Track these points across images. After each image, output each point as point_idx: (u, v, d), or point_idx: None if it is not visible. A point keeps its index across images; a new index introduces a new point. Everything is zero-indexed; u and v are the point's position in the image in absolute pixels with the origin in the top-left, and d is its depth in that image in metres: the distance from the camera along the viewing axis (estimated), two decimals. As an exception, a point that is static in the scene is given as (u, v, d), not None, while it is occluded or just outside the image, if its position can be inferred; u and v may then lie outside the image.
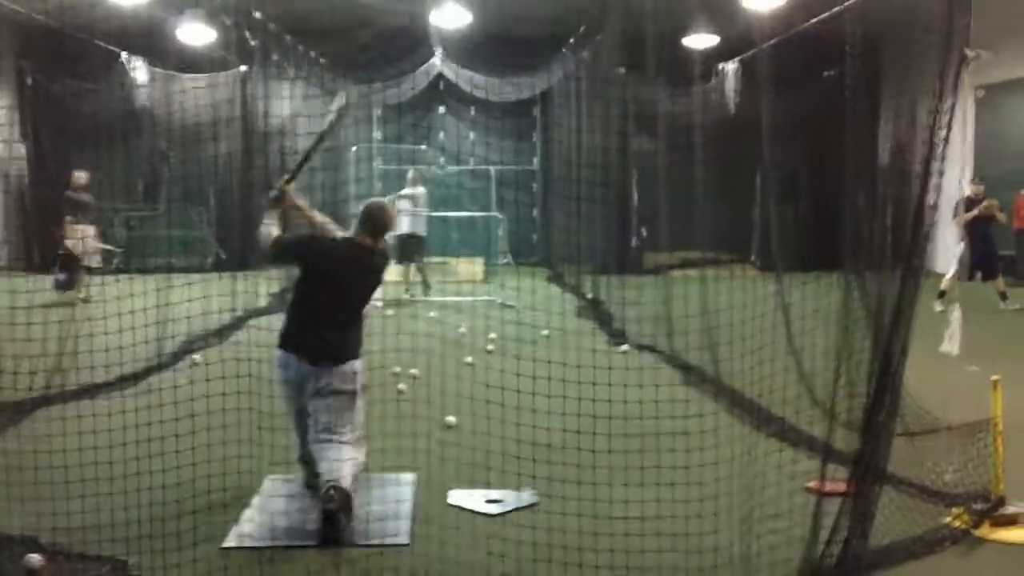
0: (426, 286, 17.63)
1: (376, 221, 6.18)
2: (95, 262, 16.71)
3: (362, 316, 6.21)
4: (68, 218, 16.58)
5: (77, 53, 18.32)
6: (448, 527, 5.60)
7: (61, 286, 15.76)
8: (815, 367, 7.39)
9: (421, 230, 18.02)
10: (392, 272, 17.97)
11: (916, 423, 7.24)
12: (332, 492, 5.60)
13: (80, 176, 16.91)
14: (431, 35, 19.31)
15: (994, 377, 6.15)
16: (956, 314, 7.78)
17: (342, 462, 5.76)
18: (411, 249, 17.81)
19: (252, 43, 17.65)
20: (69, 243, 16.28)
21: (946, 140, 5.11)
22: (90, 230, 16.75)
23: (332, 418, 5.88)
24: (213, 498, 6.07)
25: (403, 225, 17.73)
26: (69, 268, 16.18)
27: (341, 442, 5.86)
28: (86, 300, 14.86)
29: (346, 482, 5.67)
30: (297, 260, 6.21)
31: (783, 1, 15.59)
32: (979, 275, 15.69)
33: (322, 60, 19.81)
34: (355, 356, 6.08)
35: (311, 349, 5.97)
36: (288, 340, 5.98)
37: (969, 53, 5.23)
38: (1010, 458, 6.15)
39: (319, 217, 6.46)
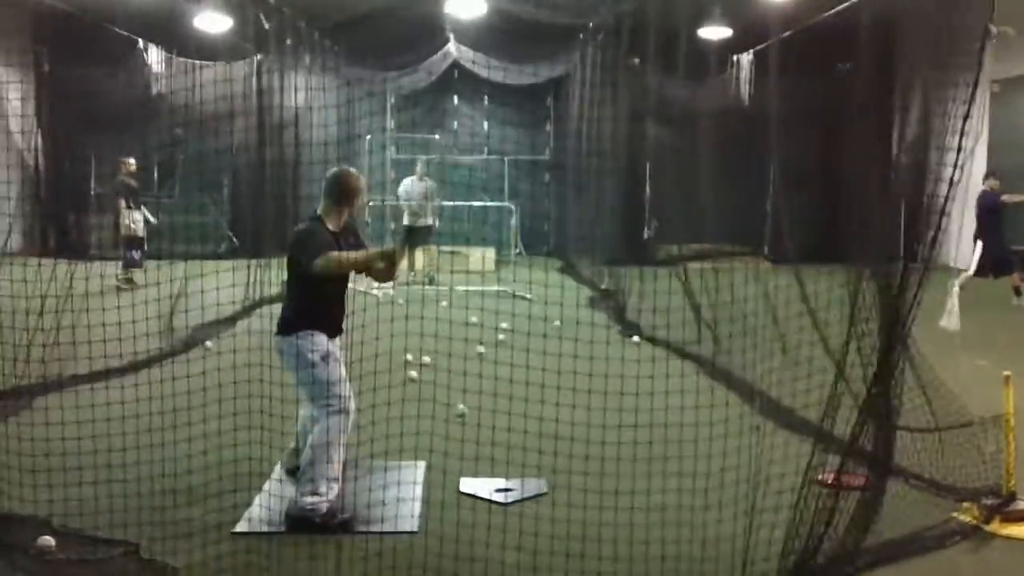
0: (430, 279, 17.73)
1: (343, 187, 6.11)
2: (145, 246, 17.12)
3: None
4: (121, 202, 16.87)
5: (93, 39, 18.38)
6: (458, 515, 5.61)
7: (134, 264, 16.40)
8: (827, 360, 7.38)
9: (429, 220, 18.30)
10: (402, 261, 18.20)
11: (945, 416, 7.23)
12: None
13: (131, 162, 17.21)
14: (446, 24, 19.29)
15: (1006, 373, 6.14)
16: (955, 290, 7.77)
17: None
18: (419, 238, 18.12)
19: (267, 27, 17.70)
20: (131, 225, 16.81)
21: (963, 131, 5.08)
22: (140, 215, 17.07)
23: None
24: (225, 483, 6.09)
25: (409, 217, 18.07)
26: (137, 248, 16.75)
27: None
28: (132, 285, 15.24)
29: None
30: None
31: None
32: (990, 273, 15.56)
33: (336, 48, 19.82)
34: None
35: (334, 327, 6.07)
36: (317, 321, 5.98)
37: (993, 29, 5.20)
38: (1021, 454, 6.14)
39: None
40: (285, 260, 6.12)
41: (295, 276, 6.08)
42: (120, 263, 16.55)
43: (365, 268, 6.05)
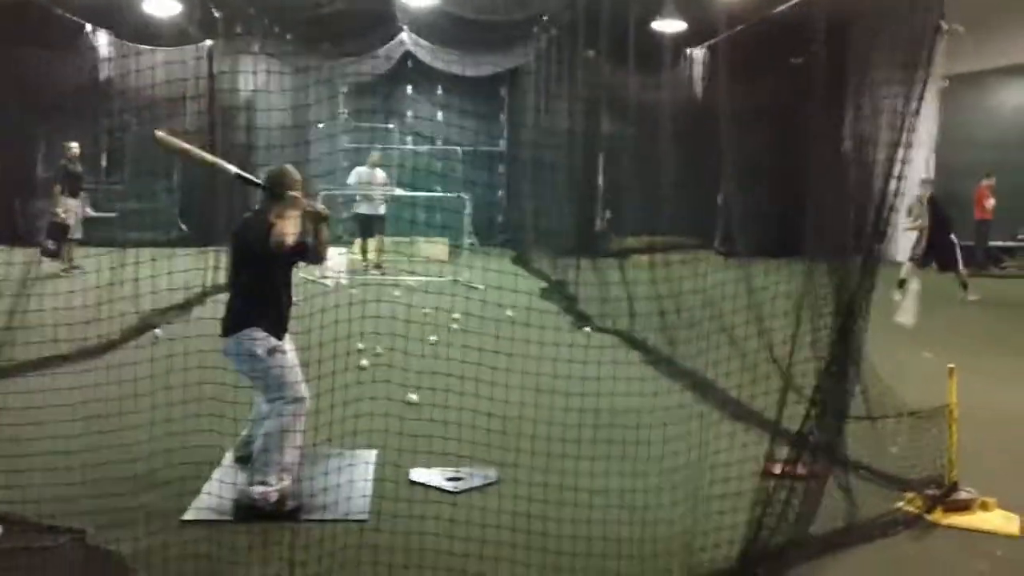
0: (377, 266, 17.78)
1: (279, 181, 6.07)
2: (79, 234, 16.74)
3: None
4: (57, 187, 16.53)
5: (40, 22, 18.10)
6: (408, 504, 5.62)
7: (50, 254, 15.83)
8: (775, 351, 7.46)
9: (381, 210, 18.39)
10: (353, 248, 18.20)
11: (880, 407, 7.33)
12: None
13: (72, 147, 16.85)
14: (398, 12, 19.23)
15: (950, 365, 6.24)
16: (913, 286, 7.88)
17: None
18: (371, 228, 18.32)
19: (216, 15, 17.53)
20: (60, 212, 16.34)
21: (910, 127, 5.16)
22: (77, 201, 16.75)
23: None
24: (174, 472, 6.04)
25: (363, 206, 18.07)
26: (57, 237, 16.28)
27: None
28: (70, 271, 14.98)
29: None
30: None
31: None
32: (934, 265, 15.80)
33: (288, 36, 19.66)
34: None
35: (279, 325, 6.02)
36: (261, 319, 5.93)
37: (944, 25, 5.29)
38: (963, 445, 6.24)
39: (209, 157, 6.37)
40: (230, 255, 6.10)
41: (240, 270, 6.09)
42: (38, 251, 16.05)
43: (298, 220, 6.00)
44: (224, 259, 12.63)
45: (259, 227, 5.86)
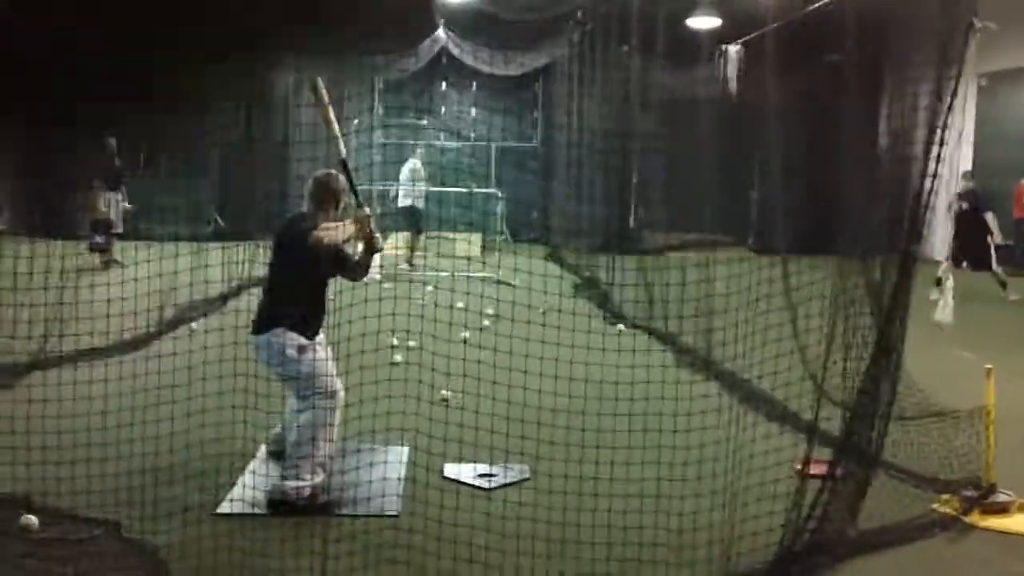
0: (409, 262, 17.74)
1: (324, 190, 6.15)
2: (120, 228, 16.93)
3: None
4: (96, 183, 16.65)
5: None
6: (440, 500, 5.63)
7: (99, 249, 16.13)
8: (812, 351, 7.41)
9: (419, 203, 18.25)
10: (392, 244, 18.20)
11: (912, 408, 7.27)
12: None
13: (111, 141, 16.99)
14: (435, 9, 19.23)
15: (988, 365, 6.17)
16: (949, 283, 7.81)
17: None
18: (410, 220, 18.20)
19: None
20: (101, 207, 16.56)
21: (944, 125, 5.11)
22: (118, 196, 16.89)
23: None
24: (208, 465, 6.09)
25: (402, 198, 18.01)
26: (103, 231, 16.51)
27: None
28: (110, 264, 15.36)
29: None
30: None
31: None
32: (965, 264, 15.63)
33: (324, 30, 19.68)
34: None
35: (312, 328, 6.05)
36: (293, 322, 5.95)
37: (976, 23, 5.23)
38: (1001, 446, 6.18)
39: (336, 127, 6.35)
40: (270, 252, 6.14)
41: (278, 269, 6.13)
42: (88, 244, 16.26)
43: (351, 237, 6.09)
44: (259, 253, 12.69)
45: (302, 229, 5.88)
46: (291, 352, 5.88)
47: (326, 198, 6.15)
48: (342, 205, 6.28)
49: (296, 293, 5.99)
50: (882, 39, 6.46)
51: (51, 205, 21.71)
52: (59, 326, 7.89)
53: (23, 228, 18.91)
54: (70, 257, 8.07)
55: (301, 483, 5.78)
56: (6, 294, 7.32)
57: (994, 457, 6.10)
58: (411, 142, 19.98)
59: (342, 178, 6.18)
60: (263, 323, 5.98)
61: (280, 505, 5.75)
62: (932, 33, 5.37)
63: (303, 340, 5.91)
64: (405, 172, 18.45)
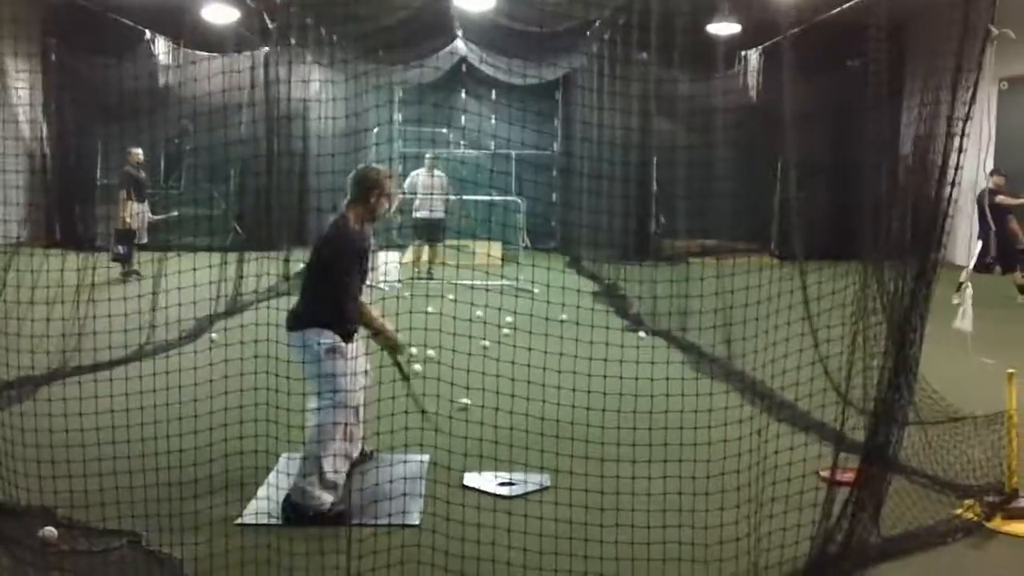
0: (429, 275, 17.73)
1: (366, 182, 6.18)
2: (144, 239, 17.05)
3: None
4: (123, 193, 16.78)
5: (102, 30, 18.37)
6: (461, 508, 5.63)
7: (121, 259, 16.24)
8: (833, 357, 7.38)
9: (440, 213, 18.22)
10: (408, 254, 18.22)
11: (931, 413, 7.23)
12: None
13: (137, 153, 17.13)
14: (453, 17, 19.26)
15: (1009, 370, 6.14)
16: (968, 291, 7.76)
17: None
18: (430, 232, 18.16)
19: (271, 25, 17.70)
20: (126, 218, 16.64)
21: (963, 132, 5.09)
22: (142, 207, 17.00)
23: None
24: (229, 475, 6.11)
25: (423, 210, 17.99)
26: (126, 242, 16.54)
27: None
28: (131, 275, 15.53)
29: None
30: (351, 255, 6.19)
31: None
32: (998, 268, 15.51)
33: (344, 43, 19.76)
34: None
35: (346, 329, 6.09)
36: (329, 321, 5.99)
37: (993, 30, 5.21)
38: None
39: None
40: (310, 253, 6.17)
41: (315, 273, 6.14)
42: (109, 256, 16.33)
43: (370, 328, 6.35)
44: (277, 264, 12.75)
45: (342, 246, 6.02)
46: (318, 349, 5.91)
47: (366, 187, 6.14)
48: (385, 203, 6.34)
49: (331, 296, 6.02)
50: (903, 45, 6.45)
51: (72, 217, 21.88)
52: (78, 339, 7.93)
53: (43, 240, 19.07)
54: (91, 270, 8.11)
55: (317, 491, 5.80)
56: (28, 306, 7.37)
57: (1016, 462, 6.06)
58: (432, 151, 19.96)
59: (383, 170, 6.26)
60: (297, 322, 6.03)
61: (301, 515, 5.75)
62: (949, 39, 5.35)
63: (335, 341, 5.94)
64: (425, 181, 18.43)
